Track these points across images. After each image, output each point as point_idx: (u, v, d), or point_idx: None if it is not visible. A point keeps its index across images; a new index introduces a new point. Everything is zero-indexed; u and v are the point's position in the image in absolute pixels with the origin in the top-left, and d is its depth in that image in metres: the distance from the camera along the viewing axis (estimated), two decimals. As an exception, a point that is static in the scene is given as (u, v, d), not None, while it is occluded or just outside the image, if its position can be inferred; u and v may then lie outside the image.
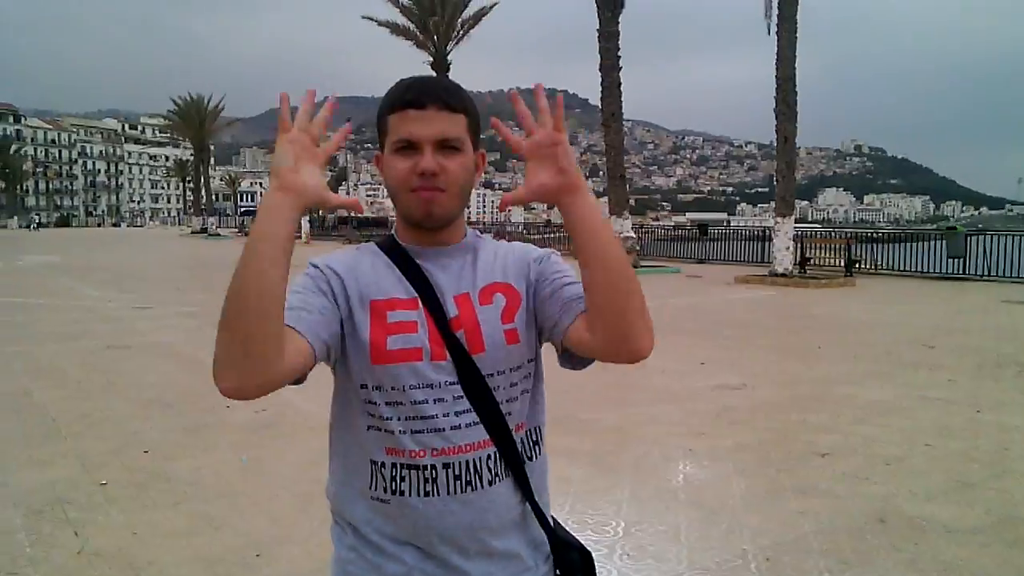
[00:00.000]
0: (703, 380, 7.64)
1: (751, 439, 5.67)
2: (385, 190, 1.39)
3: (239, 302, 1.10)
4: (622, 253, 1.25)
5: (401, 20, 31.87)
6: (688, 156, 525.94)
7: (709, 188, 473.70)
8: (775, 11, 18.95)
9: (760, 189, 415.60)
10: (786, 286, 17.45)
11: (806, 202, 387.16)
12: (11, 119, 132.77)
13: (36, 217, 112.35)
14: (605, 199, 22.18)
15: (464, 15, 31.90)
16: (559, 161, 1.21)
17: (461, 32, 32.02)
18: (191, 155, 74.71)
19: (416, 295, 1.33)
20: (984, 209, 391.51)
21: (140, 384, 7.41)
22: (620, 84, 21.97)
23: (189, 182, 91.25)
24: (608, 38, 21.76)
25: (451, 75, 31.73)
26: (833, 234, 25.92)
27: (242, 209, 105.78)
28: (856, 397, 6.92)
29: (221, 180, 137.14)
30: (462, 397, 1.31)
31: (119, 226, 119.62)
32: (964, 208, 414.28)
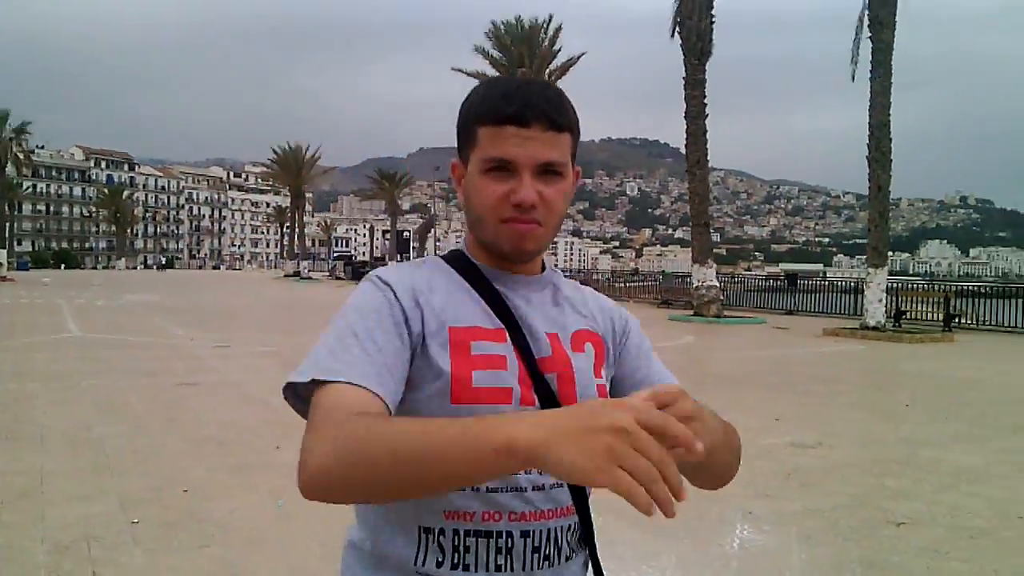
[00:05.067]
0: (776, 437, 7.18)
1: (821, 503, 5.22)
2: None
3: (390, 484, 0.85)
4: (731, 441, 1.08)
5: (490, 71, 32.55)
6: (783, 206, 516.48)
7: (804, 239, 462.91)
8: (862, 57, 18.58)
9: (859, 240, 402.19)
10: (877, 340, 16.64)
11: (907, 254, 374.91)
12: (126, 167, 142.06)
13: (161, 259, 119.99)
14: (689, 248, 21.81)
15: (552, 66, 32.36)
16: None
17: (550, 81, 32.38)
18: (290, 202, 77.52)
19: (502, 325, 1.11)
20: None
21: (200, 422, 7.43)
22: (706, 131, 21.73)
23: (287, 228, 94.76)
24: (694, 85, 21.62)
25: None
26: (931, 287, 24.63)
27: (335, 254, 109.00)
28: (943, 461, 6.35)
29: (317, 226, 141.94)
30: None
31: (218, 268, 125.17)
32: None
